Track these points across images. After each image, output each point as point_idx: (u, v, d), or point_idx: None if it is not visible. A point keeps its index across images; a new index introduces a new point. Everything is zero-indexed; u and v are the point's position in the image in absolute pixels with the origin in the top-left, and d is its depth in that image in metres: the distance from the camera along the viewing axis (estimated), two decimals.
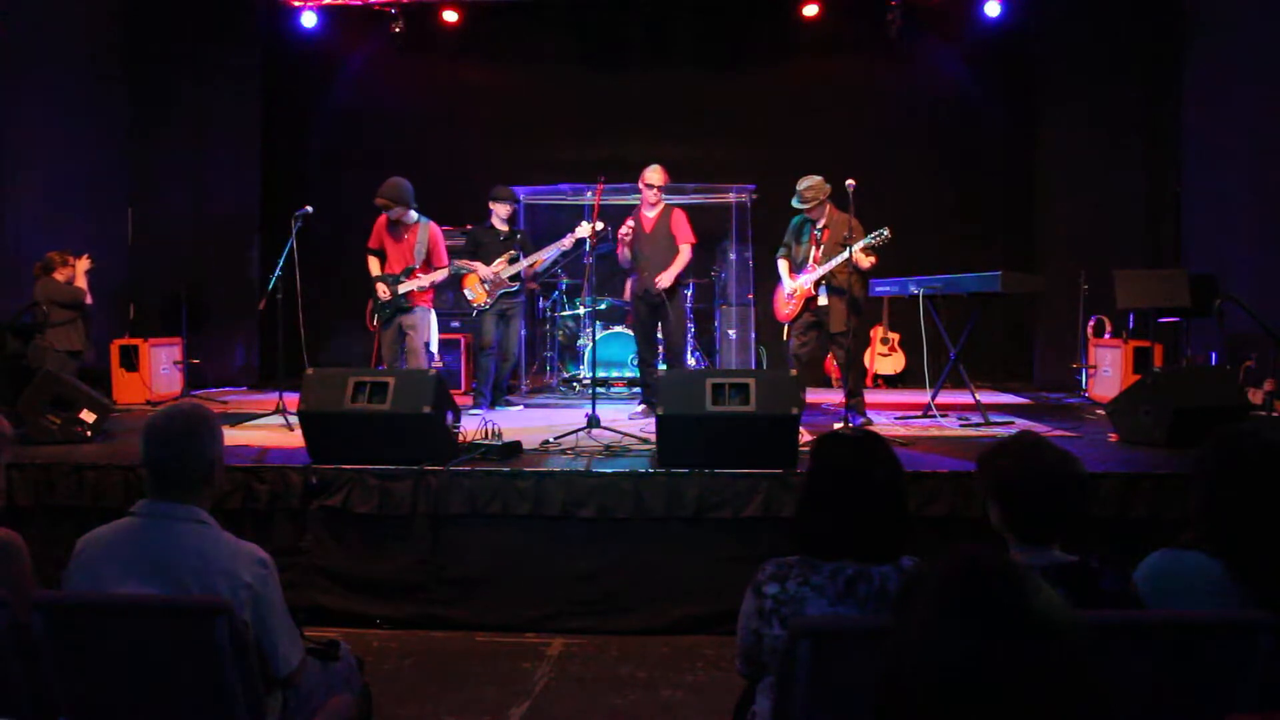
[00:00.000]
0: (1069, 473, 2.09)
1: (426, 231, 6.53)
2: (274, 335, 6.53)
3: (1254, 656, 1.82)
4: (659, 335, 7.06)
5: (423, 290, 6.53)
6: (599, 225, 6.33)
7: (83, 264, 7.03)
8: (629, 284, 8.99)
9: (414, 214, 6.51)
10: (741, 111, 9.27)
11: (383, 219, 6.60)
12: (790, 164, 8.95)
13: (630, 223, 6.56)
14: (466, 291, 6.98)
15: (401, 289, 6.46)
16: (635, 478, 4.33)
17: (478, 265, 6.91)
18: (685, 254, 6.51)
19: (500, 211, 7.03)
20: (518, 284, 6.98)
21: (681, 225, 6.55)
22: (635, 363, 8.21)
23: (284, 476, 4.42)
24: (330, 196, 8.61)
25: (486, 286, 6.90)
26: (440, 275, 6.57)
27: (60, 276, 6.94)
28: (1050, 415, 6.65)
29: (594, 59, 9.49)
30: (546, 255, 7.06)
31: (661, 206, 6.60)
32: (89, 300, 7.01)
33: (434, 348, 7.02)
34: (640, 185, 6.58)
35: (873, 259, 5.80)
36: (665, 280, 6.39)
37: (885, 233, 5.67)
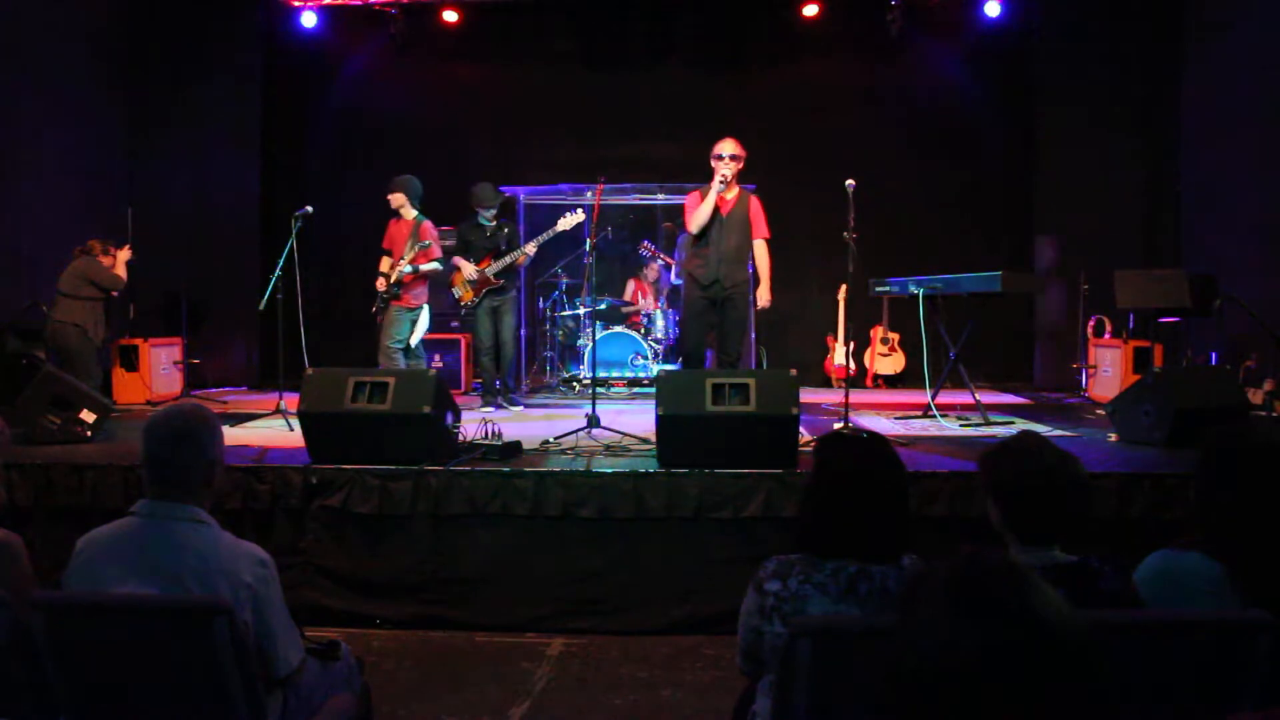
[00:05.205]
0: (1070, 473, 2.09)
1: (420, 227, 6.77)
2: (274, 335, 6.54)
3: (1254, 656, 1.82)
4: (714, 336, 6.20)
5: (410, 276, 6.66)
6: (594, 225, 6.32)
7: (124, 254, 7.10)
8: (631, 285, 9.01)
9: (412, 210, 6.82)
10: (741, 111, 9.27)
11: (391, 221, 6.92)
12: (790, 164, 9.02)
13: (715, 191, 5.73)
14: (454, 290, 7.12)
15: (392, 278, 6.74)
16: (635, 478, 4.33)
17: (463, 263, 7.02)
18: (767, 257, 5.88)
19: (484, 212, 7.08)
20: (503, 280, 7.00)
21: (760, 216, 5.90)
22: (638, 361, 8.24)
23: (284, 476, 4.42)
24: (330, 196, 8.61)
25: (472, 285, 7.00)
26: (426, 267, 6.72)
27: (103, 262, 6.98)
28: (1050, 415, 6.65)
29: (594, 59, 9.49)
30: (531, 250, 7.01)
31: (739, 190, 5.91)
32: (122, 287, 7.05)
33: (415, 341, 7.03)
34: (725, 157, 5.69)
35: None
36: (767, 298, 5.87)
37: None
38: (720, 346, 6.00)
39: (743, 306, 5.88)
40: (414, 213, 6.81)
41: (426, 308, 6.93)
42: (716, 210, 5.79)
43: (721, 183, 5.72)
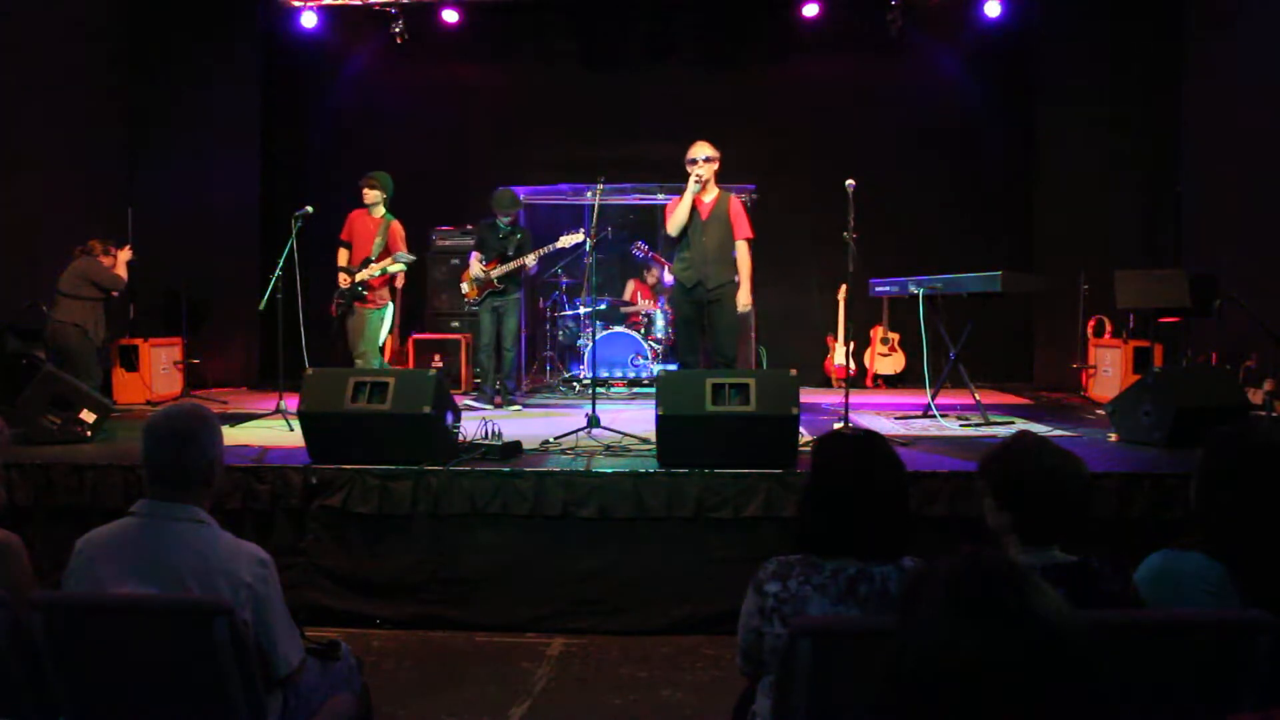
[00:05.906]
0: (1072, 473, 2.09)
1: (388, 227, 6.80)
2: (274, 335, 6.54)
3: (1254, 656, 1.82)
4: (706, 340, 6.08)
5: (378, 278, 6.68)
6: (594, 225, 6.34)
7: (124, 254, 7.13)
8: (631, 285, 9.02)
9: (382, 209, 6.87)
10: (741, 111, 9.27)
11: (353, 214, 6.95)
12: (790, 164, 9.02)
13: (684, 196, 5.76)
14: (462, 286, 7.27)
15: (358, 277, 6.72)
16: (635, 478, 4.33)
17: (474, 261, 7.13)
18: (748, 258, 5.79)
19: (501, 215, 7.13)
20: (504, 285, 7.06)
21: (741, 216, 5.84)
22: (638, 361, 8.24)
23: (284, 476, 4.42)
24: (330, 196, 8.58)
25: (477, 283, 7.13)
26: (393, 268, 6.76)
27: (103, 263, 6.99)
28: (1050, 415, 6.65)
29: (594, 59, 9.48)
30: (531, 261, 7.14)
31: (718, 192, 5.85)
32: (123, 287, 7.07)
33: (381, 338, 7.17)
34: (699, 160, 5.71)
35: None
36: (746, 300, 5.76)
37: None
38: (713, 349, 5.90)
39: (730, 308, 5.78)
40: (383, 211, 6.85)
41: (391, 305, 6.96)
42: (696, 213, 5.77)
43: (696, 183, 5.70)
